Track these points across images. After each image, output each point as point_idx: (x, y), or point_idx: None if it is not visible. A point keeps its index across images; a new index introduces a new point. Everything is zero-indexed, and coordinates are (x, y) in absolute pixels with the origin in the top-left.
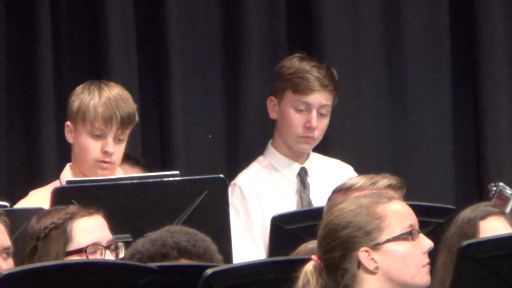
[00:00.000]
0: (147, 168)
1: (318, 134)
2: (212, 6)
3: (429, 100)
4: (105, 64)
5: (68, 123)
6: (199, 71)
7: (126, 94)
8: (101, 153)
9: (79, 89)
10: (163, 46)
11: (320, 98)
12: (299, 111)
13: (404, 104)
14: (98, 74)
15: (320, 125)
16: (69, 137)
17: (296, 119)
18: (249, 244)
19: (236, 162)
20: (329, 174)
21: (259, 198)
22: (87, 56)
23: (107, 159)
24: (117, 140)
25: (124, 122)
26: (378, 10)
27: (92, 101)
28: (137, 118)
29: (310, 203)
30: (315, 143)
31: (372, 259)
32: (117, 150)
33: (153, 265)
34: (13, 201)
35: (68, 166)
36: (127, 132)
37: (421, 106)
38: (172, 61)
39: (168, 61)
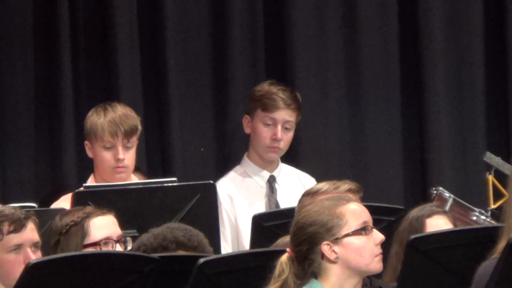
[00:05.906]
0: (146, 174)
1: (283, 145)
2: (202, 38)
3: (382, 119)
4: (117, 95)
5: (86, 142)
6: (193, 97)
7: (127, 110)
8: (115, 160)
9: (90, 113)
10: (163, 76)
11: (284, 115)
12: (267, 125)
13: (361, 124)
14: (111, 100)
15: (285, 137)
16: (89, 153)
17: (265, 132)
18: (220, 240)
19: (223, 171)
20: (294, 182)
21: (232, 201)
22: (101, 84)
23: (120, 165)
24: (126, 148)
25: (127, 133)
26: (340, 39)
27: (99, 121)
28: (139, 127)
29: (277, 204)
30: (282, 152)
31: (333, 251)
32: (128, 156)
33: (155, 255)
34: (40, 204)
35: (92, 175)
36: (133, 139)
37: (375, 124)
38: (171, 89)
39: (167, 86)
